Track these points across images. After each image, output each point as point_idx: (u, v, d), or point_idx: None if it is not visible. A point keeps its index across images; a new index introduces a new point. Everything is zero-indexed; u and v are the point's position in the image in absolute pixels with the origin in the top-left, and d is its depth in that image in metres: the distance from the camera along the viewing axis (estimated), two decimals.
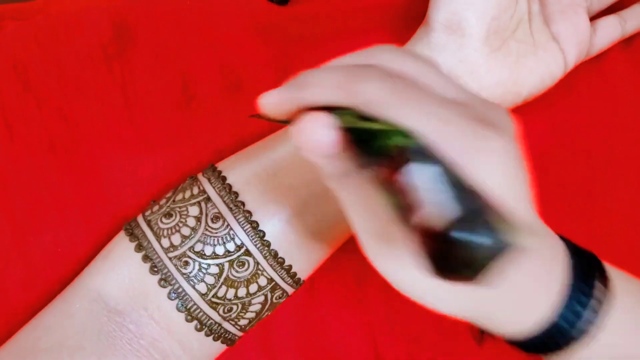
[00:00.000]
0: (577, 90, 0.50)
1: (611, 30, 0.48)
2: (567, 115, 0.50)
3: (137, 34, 0.50)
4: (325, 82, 0.27)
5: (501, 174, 0.27)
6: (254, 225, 0.41)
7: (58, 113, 0.48)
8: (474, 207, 0.22)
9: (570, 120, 0.50)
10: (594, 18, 0.48)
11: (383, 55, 0.29)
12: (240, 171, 0.42)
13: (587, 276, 0.33)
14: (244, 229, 0.41)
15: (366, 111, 0.27)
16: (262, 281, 0.41)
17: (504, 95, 0.45)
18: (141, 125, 0.48)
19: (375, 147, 0.25)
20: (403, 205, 0.23)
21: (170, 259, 0.40)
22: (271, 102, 0.30)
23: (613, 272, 0.34)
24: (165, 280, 0.40)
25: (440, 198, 0.22)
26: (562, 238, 0.34)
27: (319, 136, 0.27)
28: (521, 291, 0.31)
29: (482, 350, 0.49)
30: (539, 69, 0.45)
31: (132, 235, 0.42)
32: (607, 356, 0.33)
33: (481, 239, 0.22)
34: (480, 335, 0.37)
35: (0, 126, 0.47)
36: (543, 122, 0.50)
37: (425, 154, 0.24)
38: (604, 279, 0.33)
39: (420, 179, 0.23)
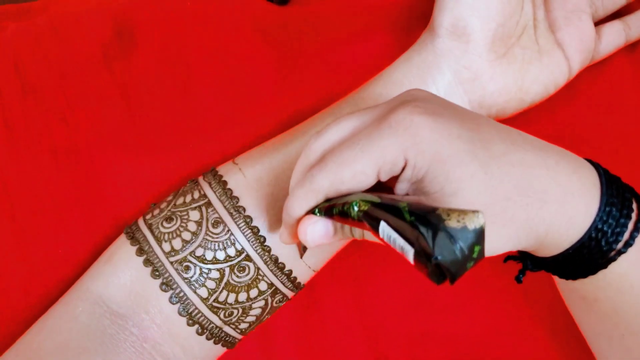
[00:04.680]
0: (581, 95, 0.50)
1: (615, 36, 0.48)
2: (571, 121, 0.50)
3: (138, 35, 0.50)
4: (295, 201, 0.35)
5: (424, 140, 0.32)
6: (255, 231, 0.41)
7: (58, 114, 0.48)
8: (431, 228, 0.27)
9: (573, 126, 0.50)
10: (597, 23, 0.48)
11: (311, 147, 0.36)
12: (241, 175, 0.42)
13: (620, 193, 0.36)
14: (245, 234, 0.41)
15: (332, 196, 0.34)
16: (263, 286, 0.42)
17: (507, 102, 0.45)
18: (142, 127, 0.48)
19: (349, 218, 0.32)
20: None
21: (171, 263, 0.41)
22: (284, 239, 0.37)
23: None
24: (166, 285, 0.41)
25: (400, 242, 0.29)
26: (592, 162, 0.37)
27: (316, 228, 0.35)
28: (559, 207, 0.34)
29: (487, 350, 0.49)
30: (543, 76, 0.45)
31: (133, 239, 0.42)
32: (633, 281, 0.36)
33: (462, 246, 0.27)
34: (521, 272, 0.40)
35: (0, 127, 0.47)
36: (546, 127, 0.49)
37: (372, 213, 0.31)
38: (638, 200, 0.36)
39: (387, 234, 0.30)
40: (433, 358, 0.49)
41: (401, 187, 0.34)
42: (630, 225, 0.35)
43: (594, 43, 0.46)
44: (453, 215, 0.27)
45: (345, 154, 0.33)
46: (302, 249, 0.39)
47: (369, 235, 0.35)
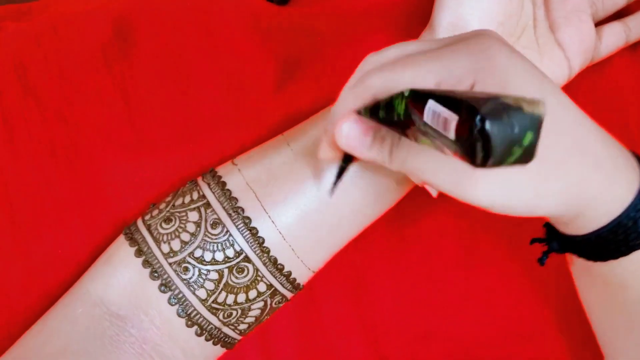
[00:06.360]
0: (581, 96, 0.49)
1: (615, 38, 0.48)
2: None
3: (138, 36, 0.50)
4: (340, 101, 0.34)
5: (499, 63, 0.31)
6: (254, 232, 0.41)
7: (58, 115, 0.48)
8: (485, 102, 0.25)
9: None
10: (597, 24, 0.48)
11: (368, 60, 0.34)
12: (240, 176, 0.42)
13: None
14: (244, 235, 0.41)
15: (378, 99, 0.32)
16: (262, 287, 0.42)
17: None
18: (141, 128, 0.48)
19: (395, 115, 0.30)
20: (439, 139, 0.27)
21: (170, 264, 0.41)
22: (322, 151, 0.37)
23: None
24: (165, 286, 0.41)
25: (445, 115, 0.26)
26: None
27: (353, 127, 0.34)
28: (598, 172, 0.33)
29: (489, 350, 0.49)
30: None
31: (132, 240, 0.42)
32: None
33: (513, 120, 0.24)
34: (545, 254, 0.38)
35: (0, 127, 0.47)
36: None
37: (420, 94, 0.28)
38: None
39: (432, 111, 0.27)
40: (433, 358, 0.49)
41: None
42: None
43: (594, 43, 0.46)
44: (510, 97, 0.25)
45: (410, 58, 0.31)
46: (337, 175, 0.36)
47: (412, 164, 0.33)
